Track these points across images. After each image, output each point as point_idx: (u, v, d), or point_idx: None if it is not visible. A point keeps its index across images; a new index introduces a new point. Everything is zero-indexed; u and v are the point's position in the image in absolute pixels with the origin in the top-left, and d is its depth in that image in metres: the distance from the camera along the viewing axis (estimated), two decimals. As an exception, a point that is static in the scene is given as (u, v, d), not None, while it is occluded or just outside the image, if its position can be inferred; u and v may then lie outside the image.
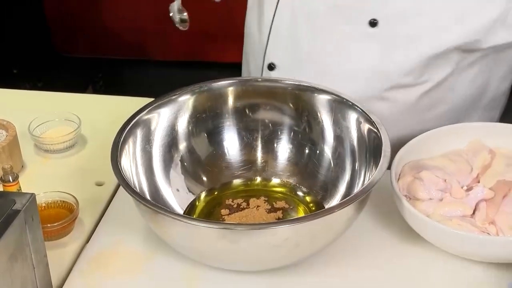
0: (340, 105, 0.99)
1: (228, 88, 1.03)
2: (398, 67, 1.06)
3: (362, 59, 1.07)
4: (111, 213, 1.00)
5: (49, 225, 0.92)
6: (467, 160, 0.98)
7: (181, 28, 1.03)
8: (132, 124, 0.95)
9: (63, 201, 0.98)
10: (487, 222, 0.89)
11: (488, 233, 0.88)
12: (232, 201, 1.00)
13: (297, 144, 1.03)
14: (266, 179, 1.03)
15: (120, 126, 0.94)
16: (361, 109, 0.96)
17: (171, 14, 1.02)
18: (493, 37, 1.04)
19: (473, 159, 0.98)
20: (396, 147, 0.95)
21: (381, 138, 0.90)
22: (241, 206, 0.99)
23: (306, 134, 1.02)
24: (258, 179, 1.04)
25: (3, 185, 0.94)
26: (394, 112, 1.10)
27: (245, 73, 1.27)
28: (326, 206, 0.97)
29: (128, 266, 0.91)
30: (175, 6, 1.06)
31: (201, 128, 1.03)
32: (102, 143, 1.07)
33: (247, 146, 1.04)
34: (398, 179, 0.95)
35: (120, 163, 0.89)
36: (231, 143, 1.04)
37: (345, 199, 0.83)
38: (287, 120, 1.03)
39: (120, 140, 0.92)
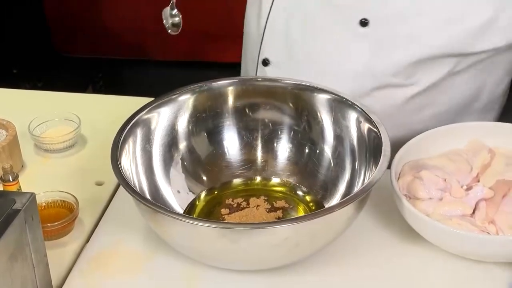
0: (340, 104, 0.99)
1: (228, 88, 1.03)
2: (387, 67, 1.06)
3: (352, 58, 1.07)
4: (111, 213, 1.00)
5: (49, 224, 0.92)
6: (467, 159, 0.98)
7: (172, 33, 1.04)
8: (132, 124, 0.95)
9: (63, 201, 0.98)
10: (487, 222, 0.89)
11: (487, 233, 0.88)
12: (232, 201, 1.00)
13: (297, 143, 1.03)
14: (266, 179, 1.03)
15: (120, 126, 0.94)
16: (361, 109, 0.96)
17: (164, 20, 1.03)
18: (483, 42, 1.04)
19: (472, 159, 0.98)
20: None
21: (381, 138, 0.90)
22: (241, 206, 0.99)
23: (306, 134, 1.02)
24: (258, 178, 1.04)
25: (3, 185, 0.94)
26: (384, 111, 1.09)
27: (243, 68, 1.28)
28: (326, 206, 0.97)
29: (128, 265, 0.91)
30: (168, 11, 1.06)
31: (201, 127, 1.03)
32: (102, 143, 1.07)
33: (247, 146, 1.04)
34: (398, 179, 0.95)
35: (120, 163, 0.89)
36: (231, 142, 1.04)
37: (345, 199, 0.83)
38: (287, 120, 1.03)
39: (120, 139, 0.92)
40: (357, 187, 0.95)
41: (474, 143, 1.00)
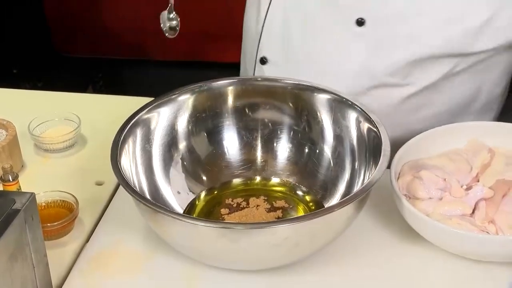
0: (340, 104, 0.99)
1: (228, 88, 1.03)
2: (386, 66, 1.06)
3: (348, 58, 1.07)
4: (111, 213, 1.00)
5: (49, 224, 0.92)
6: (467, 159, 0.98)
7: (170, 36, 1.04)
8: (132, 124, 0.95)
9: (63, 201, 0.98)
10: (487, 221, 0.89)
11: (487, 232, 0.88)
12: (232, 201, 1.00)
13: (297, 143, 1.03)
14: (266, 179, 1.03)
15: (120, 126, 0.94)
16: (361, 108, 0.96)
17: (161, 24, 1.03)
18: (483, 42, 1.04)
19: (472, 159, 0.98)
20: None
21: (381, 138, 0.90)
22: (241, 206, 0.99)
23: (306, 134, 1.02)
24: (258, 178, 1.04)
25: (3, 185, 0.94)
26: (380, 110, 1.09)
27: (242, 67, 1.28)
28: (326, 205, 0.97)
29: (128, 265, 0.91)
30: (165, 14, 1.06)
31: (201, 127, 1.03)
32: (102, 143, 1.06)
33: (247, 146, 1.04)
34: (398, 178, 0.95)
35: (120, 163, 0.89)
36: (231, 142, 1.04)
37: (344, 198, 0.83)
38: (286, 120, 1.03)
39: (120, 139, 0.92)
40: (357, 187, 0.95)
41: (473, 143, 1.00)
